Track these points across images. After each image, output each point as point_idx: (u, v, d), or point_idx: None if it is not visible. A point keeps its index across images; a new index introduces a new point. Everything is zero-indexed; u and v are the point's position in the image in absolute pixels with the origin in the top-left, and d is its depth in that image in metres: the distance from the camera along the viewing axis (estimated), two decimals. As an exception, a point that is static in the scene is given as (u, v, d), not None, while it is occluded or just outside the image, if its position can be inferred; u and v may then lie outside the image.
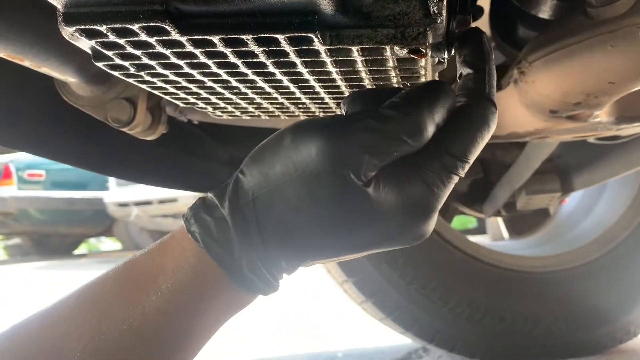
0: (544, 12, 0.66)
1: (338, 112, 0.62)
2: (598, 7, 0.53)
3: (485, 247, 1.30)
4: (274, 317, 1.98)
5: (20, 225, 5.64)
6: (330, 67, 0.45)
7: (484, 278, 1.25)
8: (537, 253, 1.40)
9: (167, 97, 0.58)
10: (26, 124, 0.75)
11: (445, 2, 0.37)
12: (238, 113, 0.65)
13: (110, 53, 0.44)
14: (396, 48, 0.40)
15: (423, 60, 0.43)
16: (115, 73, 0.49)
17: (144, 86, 0.53)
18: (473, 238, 1.41)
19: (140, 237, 5.66)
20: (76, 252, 7.25)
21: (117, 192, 5.11)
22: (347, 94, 0.54)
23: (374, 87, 0.51)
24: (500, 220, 1.72)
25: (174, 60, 0.44)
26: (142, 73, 0.48)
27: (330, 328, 1.73)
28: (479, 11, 0.66)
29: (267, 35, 0.38)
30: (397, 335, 1.35)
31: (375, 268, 1.19)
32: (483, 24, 0.76)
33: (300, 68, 0.45)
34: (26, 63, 0.55)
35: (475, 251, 1.25)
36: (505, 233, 1.68)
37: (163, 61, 0.45)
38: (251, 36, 0.39)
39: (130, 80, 0.51)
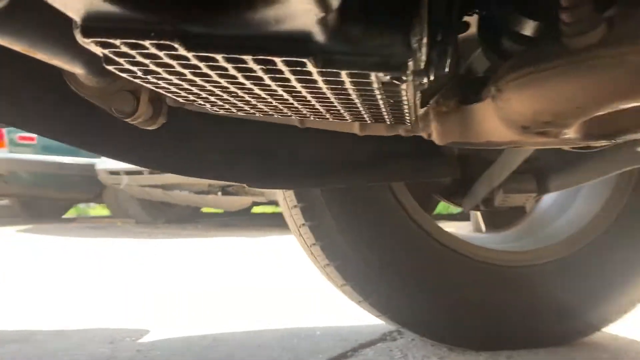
0: (527, 30, 0.71)
1: (327, 115, 0.67)
2: (571, 36, 0.58)
3: (461, 239, 1.36)
4: (257, 295, 2.04)
5: (9, 187, 5.64)
6: (321, 85, 0.49)
7: (459, 269, 1.32)
8: (512, 247, 1.46)
9: (169, 95, 0.62)
10: (29, 104, 0.79)
11: (425, 38, 0.42)
12: (234, 110, 0.70)
13: (121, 60, 0.48)
14: (380, 74, 0.45)
15: (404, 84, 0.48)
16: (124, 75, 0.53)
17: (148, 85, 0.57)
18: (457, 224, 1.47)
19: (129, 205, 5.69)
20: (65, 216, 7.28)
21: (108, 160, 5.12)
22: (336, 104, 0.59)
23: (361, 102, 0.56)
24: (479, 213, 1.78)
25: (179, 69, 0.49)
26: (148, 76, 0.53)
27: (310, 308, 1.79)
28: (464, 26, 0.71)
29: (265, 57, 0.43)
30: (373, 317, 1.42)
31: (355, 253, 1.25)
32: (472, 30, 0.80)
33: (294, 83, 0.50)
34: (39, 56, 0.59)
35: (451, 242, 1.31)
36: (482, 226, 1.74)
37: (169, 69, 0.49)
38: (251, 57, 0.43)
39: (137, 80, 0.55)
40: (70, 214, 7.79)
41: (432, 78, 0.48)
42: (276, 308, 1.78)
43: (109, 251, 3.34)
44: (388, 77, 0.45)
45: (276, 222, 6.00)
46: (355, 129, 0.81)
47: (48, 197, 6.32)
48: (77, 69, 0.64)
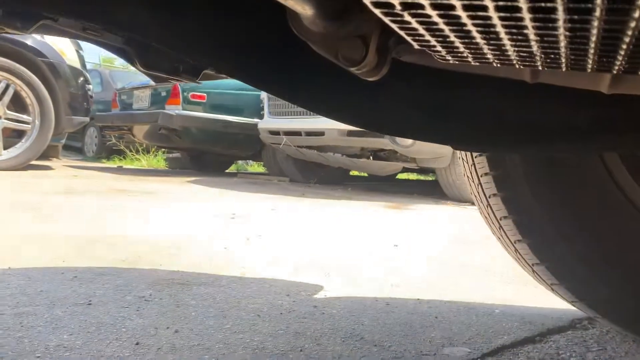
0: None
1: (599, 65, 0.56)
2: None
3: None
4: (422, 261, 1.98)
5: (182, 141, 6.19)
6: None
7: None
8: None
9: (408, 38, 0.56)
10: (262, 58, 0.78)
11: None
12: (470, 59, 0.62)
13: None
14: None
15: None
16: (376, 10, 0.47)
17: (393, 25, 0.52)
18: None
19: (285, 164, 5.94)
20: (227, 171, 7.86)
21: (270, 121, 5.36)
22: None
23: None
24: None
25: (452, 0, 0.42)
26: (404, 12, 0.47)
27: (484, 282, 1.69)
28: None
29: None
30: (557, 302, 1.29)
31: (554, 231, 1.12)
32: None
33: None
34: (276, -6, 0.56)
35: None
36: None
37: (436, 1, 0.43)
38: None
39: (387, 18, 0.49)
40: (231, 169, 8.39)
41: None
42: (446, 278, 1.70)
43: (272, 205, 3.50)
44: None
45: (421, 190, 5.87)
46: (604, 83, 0.68)
47: (214, 152, 6.85)
48: (307, 10, 0.60)
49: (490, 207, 1.22)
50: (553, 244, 1.13)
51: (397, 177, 8.47)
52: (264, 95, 5.63)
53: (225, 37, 0.78)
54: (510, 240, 1.21)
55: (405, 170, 6.07)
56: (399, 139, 4.41)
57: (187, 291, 1.37)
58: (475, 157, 1.20)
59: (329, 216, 3.20)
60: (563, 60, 0.56)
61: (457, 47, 0.57)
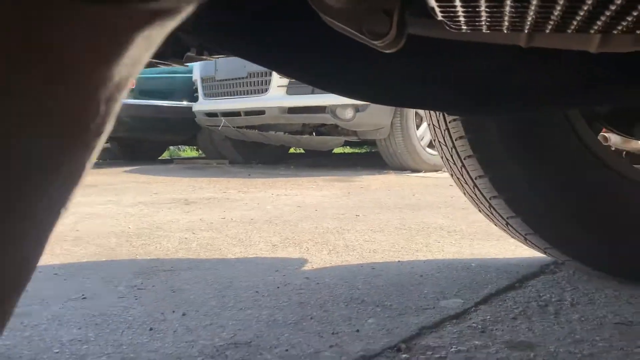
0: None
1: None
2: None
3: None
4: (391, 228, 2.06)
5: (113, 130, 5.93)
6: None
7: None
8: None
9: (438, 9, 0.60)
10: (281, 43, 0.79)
11: None
12: (484, 27, 0.66)
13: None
14: None
15: None
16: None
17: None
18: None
19: (223, 146, 5.87)
20: (160, 158, 7.65)
21: (205, 102, 5.26)
22: None
23: None
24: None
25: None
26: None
27: (451, 237, 1.79)
28: None
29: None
30: (522, 252, 1.41)
31: (528, 185, 1.22)
32: None
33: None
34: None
35: (634, 174, 1.24)
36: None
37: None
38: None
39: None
40: (164, 156, 8.17)
41: None
42: (415, 240, 1.79)
43: (221, 188, 3.47)
44: None
45: (363, 162, 6.01)
46: (593, 43, 0.75)
47: (148, 140, 6.63)
48: (335, -13, 0.63)
49: (465, 168, 1.29)
50: (528, 197, 1.22)
51: (333, 152, 8.59)
52: (196, 77, 5.49)
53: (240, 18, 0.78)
54: (485, 197, 1.29)
55: (350, 143, 6.17)
56: (339, 114, 4.48)
57: (175, 276, 1.37)
58: (449, 122, 1.27)
59: (283, 194, 3.23)
60: (574, 23, 0.62)
61: (479, 16, 0.61)
